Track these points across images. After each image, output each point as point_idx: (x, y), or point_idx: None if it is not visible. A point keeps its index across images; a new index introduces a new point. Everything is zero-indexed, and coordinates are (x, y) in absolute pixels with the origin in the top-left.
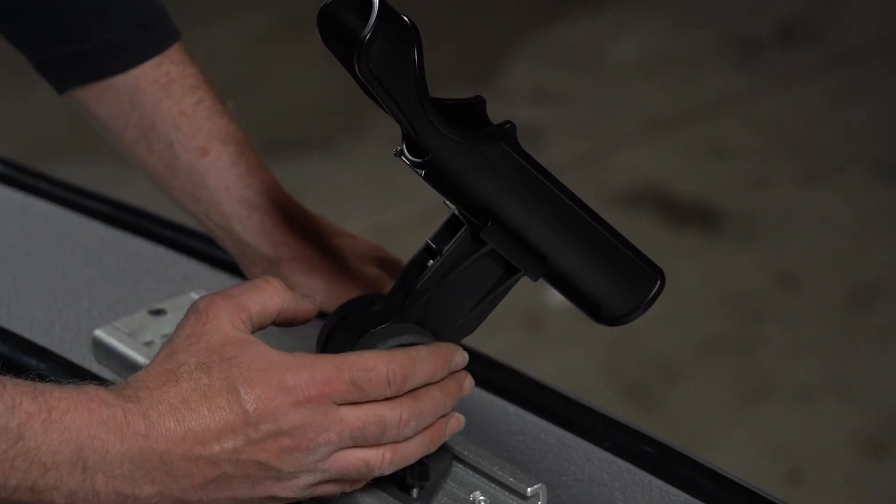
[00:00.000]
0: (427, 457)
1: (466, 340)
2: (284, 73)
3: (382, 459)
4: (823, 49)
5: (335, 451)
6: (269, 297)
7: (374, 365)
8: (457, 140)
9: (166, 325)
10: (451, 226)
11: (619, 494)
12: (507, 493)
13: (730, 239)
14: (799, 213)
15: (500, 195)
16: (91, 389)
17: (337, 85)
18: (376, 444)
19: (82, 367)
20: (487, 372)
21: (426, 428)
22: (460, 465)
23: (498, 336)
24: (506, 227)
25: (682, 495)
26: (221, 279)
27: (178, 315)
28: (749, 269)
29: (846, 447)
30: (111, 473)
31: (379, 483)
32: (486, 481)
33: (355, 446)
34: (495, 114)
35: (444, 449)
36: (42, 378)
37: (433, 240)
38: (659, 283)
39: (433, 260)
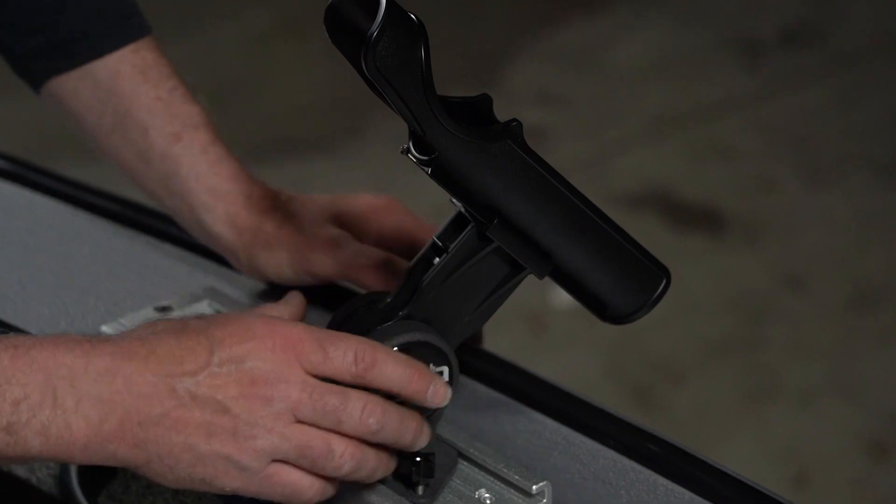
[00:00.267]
0: (433, 454)
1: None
2: (285, 72)
3: (346, 445)
4: (826, 51)
5: (295, 421)
6: None
7: (347, 338)
8: (463, 138)
9: None
10: (457, 223)
11: (623, 493)
12: (512, 491)
13: (734, 240)
14: (802, 214)
15: (506, 193)
16: (59, 334)
17: (338, 84)
18: (335, 428)
19: None
20: (493, 369)
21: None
22: (466, 463)
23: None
24: (512, 225)
25: (687, 494)
26: (227, 275)
27: (183, 312)
28: (753, 271)
29: (851, 449)
30: (80, 400)
31: (384, 480)
32: (492, 479)
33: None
34: (500, 116)
35: (450, 446)
36: None
37: (439, 237)
38: (665, 281)
39: (439, 257)
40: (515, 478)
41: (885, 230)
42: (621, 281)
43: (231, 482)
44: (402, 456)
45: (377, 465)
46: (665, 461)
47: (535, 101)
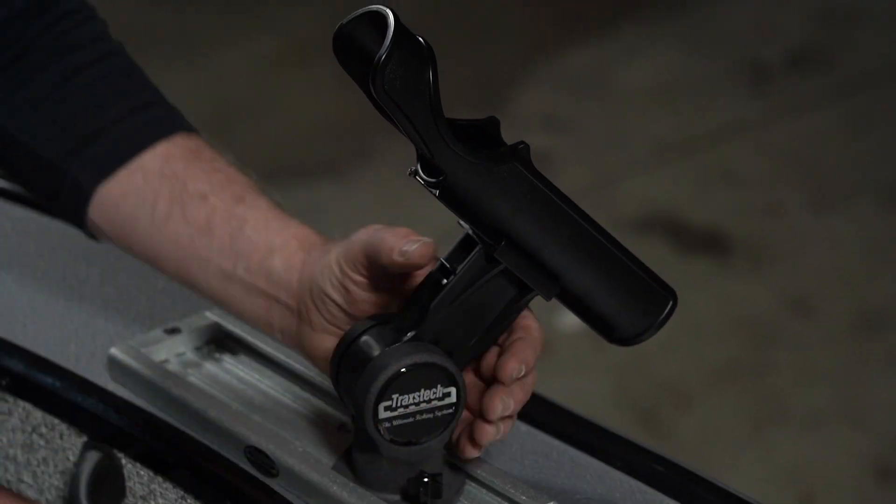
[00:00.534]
0: (440, 475)
1: None
2: (294, 97)
3: None
4: (834, 76)
5: None
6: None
7: None
8: (471, 160)
9: (181, 343)
10: (464, 245)
11: None
12: None
13: (740, 265)
14: (809, 239)
15: (514, 215)
16: None
17: (347, 109)
18: None
19: (97, 384)
20: None
21: None
22: (473, 484)
23: None
24: (519, 247)
25: None
26: None
27: (192, 334)
28: (759, 295)
29: (857, 473)
30: None
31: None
32: (499, 499)
33: None
34: (506, 140)
35: (458, 467)
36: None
37: (447, 259)
38: (671, 303)
39: (447, 279)
40: (522, 498)
41: (892, 255)
42: (628, 302)
43: None
44: (410, 477)
45: None
46: (671, 482)
47: (542, 126)
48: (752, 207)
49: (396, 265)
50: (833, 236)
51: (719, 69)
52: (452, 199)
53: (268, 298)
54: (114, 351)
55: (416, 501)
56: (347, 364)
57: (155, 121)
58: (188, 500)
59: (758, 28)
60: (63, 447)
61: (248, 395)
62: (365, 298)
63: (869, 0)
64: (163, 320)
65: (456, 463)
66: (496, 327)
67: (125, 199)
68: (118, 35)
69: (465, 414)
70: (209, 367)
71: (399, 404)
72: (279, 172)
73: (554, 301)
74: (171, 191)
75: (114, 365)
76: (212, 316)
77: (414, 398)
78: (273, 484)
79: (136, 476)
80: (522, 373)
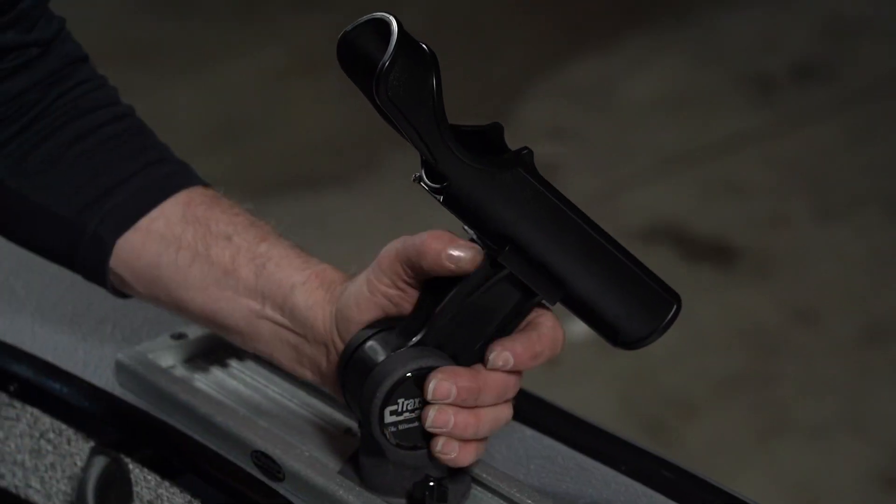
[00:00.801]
0: (446, 478)
1: None
2: (301, 109)
3: None
4: (838, 87)
5: None
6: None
7: None
8: (475, 166)
9: (188, 349)
10: None
11: None
12: None
13: (746, 275)
14: (814, 249)
15: (518, 221)
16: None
17: (353, 120)
18: None
19: (105, 390)
20: None
21: None
22: (479, 488)
23: None
24: (524, 252)
25: None
26: None
27: (199, 340)
28: (765, 306)
29: (862, 483)
30: None
31: None
32: None
33: None
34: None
35: (464, 472)
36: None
37: None
38: (675, 307)
39: (451, 284)
40: (528, 502)
41: None
42: (632, 306)
43: None
44: (415, 481)
45: None
46: (676, 486)
47: (548, 136)
48: (757, 218)
49: (446, 270)
50: (838, 247)
51: (724, 81)
52: (457, 205)
53: (297, 337)
54: (121, 357)
55: None
56: (353, 369)
57: (171, 174)
58: None
59: (762, 40)
60: (71, 452)
61: (255, 400)
62: (395, 314)
63: (873, 12)
64: (169, 326)
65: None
66: (501, 332)
67: (147, 247)
68: (127, 48)
69: None
70: (216, 372)
71: (405, 409)
72: (286, 183)
73: (559, 311)
74: (194, 234)
75: (121, 371)
76: None
77: (419, 403)
78: (279, 488)
79: (144, 481)
80: (508, 365)
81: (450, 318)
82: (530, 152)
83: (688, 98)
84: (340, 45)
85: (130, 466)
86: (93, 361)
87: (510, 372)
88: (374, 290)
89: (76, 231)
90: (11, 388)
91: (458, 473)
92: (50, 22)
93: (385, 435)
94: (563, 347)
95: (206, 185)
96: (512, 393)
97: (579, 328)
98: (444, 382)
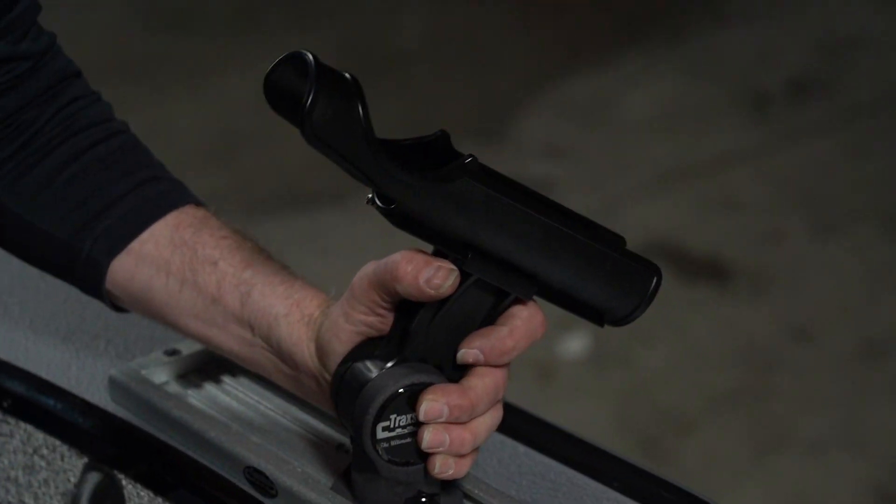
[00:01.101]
0: (439, 494)
1: None
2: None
3: None
4: (834, 103)
5: None
6: None
7: None
8: (419, 185)
9: (181, 365)
10: None
11: None
12: None
13: (741, 292)
14: (810, 265)
15: (475, 228)
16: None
17: None
18: None
19: (98, 406)
20: None
21: None
22: None
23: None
24: (488, 257)
25: None
26: None
27: (192, 356)
28: (761, 322)
29: (858, 499)
30: None
31: None
32: None
33: None
34: (508, 167)
35: (456, 487)
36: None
37: None
38: (656, 278)
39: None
40: None
41: (893, 282)
42: (611, 286)
43: None
44: (407, 497)
45: None
46: (668, 502)
47: (544, 153)
48: (753, 234)
49: (426, 297)
50: (834, 263)
51: (720, 97)
52: (409, 224)
53: (289, 368)
54: (114, 373)
55: None
56: (346, 386)
57: (163, 194)
58: None
59: (758, 56)
60: (64, 468)
61: (248, 416)
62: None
63: (869, 29)
64: (163, 342)
65: (453, 483)
66: None
67: (139, 270)
68: (125, 62)
69: None
70: (209, 388)
71: (397, 425)
72: (281, 200)
73: (555, 330)
74: (181, 259)
75: (114, 387)
76: None
77: (412, 419)
78: None
79: (137, 497)
80: (479, 361)
81: (427, 332)
82: (474, 159)
83: (684, 114)
84: (265, 88)
85: (124, 482)
86: (86, 377)
87: (496, 367)
88: (351, 321)
89: (73, 252)
90: (5, 405)
91: (450, 489)
92: (40, 36)
93: (377, 451)
94: (545, 329)
95: (199, 203)
96: (503, 392)
97: (575, 345)
98: (434, 403)
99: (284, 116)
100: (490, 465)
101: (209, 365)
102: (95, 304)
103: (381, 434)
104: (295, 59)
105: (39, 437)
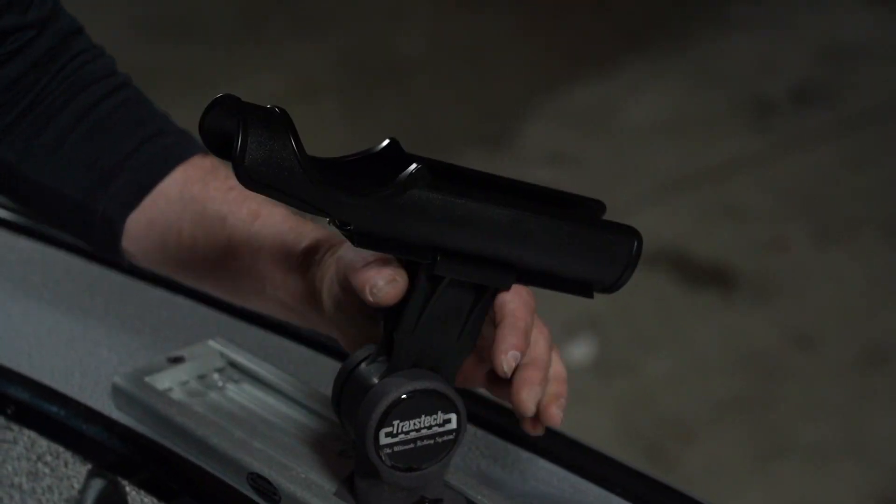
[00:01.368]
0: (441, 500)
1: (482, 391)
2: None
3: None
4: (837, 111)
5: None
6: None
7: None
8: (367, 204)
9: (184, 372)
10: (407, 270)
11: None
12: None
13: (744, 299)
14: (813, 273)
15: (436, 233)
16: None
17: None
18: None
19: (102, 413)
20: (500, 418)
21: None
22: None
23: None
24: (457, 256)
25: None
26: (238, 327)
27: (196, 362)
28: (764, 330)
29: None
30: None
31: None
32: None
33: None
34: (511, 175)
35: (458, 492)
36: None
37: None
38: (636, 241)
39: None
40: None
41: (895, 289)
42: (592, 258)
43: None
44: (411, 502)
45: None
46: None
47: (548, 161)
48: (756, 242)
49: (369, 303)
50: (837, 271)
51: (723, 104)
52: (370, 241)
53: (300, 312)
54: (118, 380)
55: None
56: (349, 392)
57: (169, 147)
58: None
59: (761, 64)
60: (68, 475)
61: (251, 422)
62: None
63: (871, 38)
64: (166, 349)
65: (456, 488)
66: (471, 331)
67: (152, 227)
68: (125, 72)
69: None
70: (212, 395)
71: (400, 430)
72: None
73: (559, 337)
74: (192, 215)
75: (118, 393)
76: (215, 345)
77: (415, 424)
78: None
79: (140, 503)
80: (518, 359)
81: (412, 338)
82: (422, 168)
83: (686, 122)
84: (201, 134)
85: (128, 489)
86: (90, 384)
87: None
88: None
89: (88, 214)
90: (8, 411)
91: (453, 495)
92: (44, 1)
93: (380, 456)
94: (534, 302)
95: (204, 151)
96: (550, 336)
97: (577, 353)
98: (512, 353)
99: (224, 159)
100: (493, 471)
101: (213, 371)
102: (99, 312)
103: (384, 440)
104: (224, 102)
105: (43, 443)
